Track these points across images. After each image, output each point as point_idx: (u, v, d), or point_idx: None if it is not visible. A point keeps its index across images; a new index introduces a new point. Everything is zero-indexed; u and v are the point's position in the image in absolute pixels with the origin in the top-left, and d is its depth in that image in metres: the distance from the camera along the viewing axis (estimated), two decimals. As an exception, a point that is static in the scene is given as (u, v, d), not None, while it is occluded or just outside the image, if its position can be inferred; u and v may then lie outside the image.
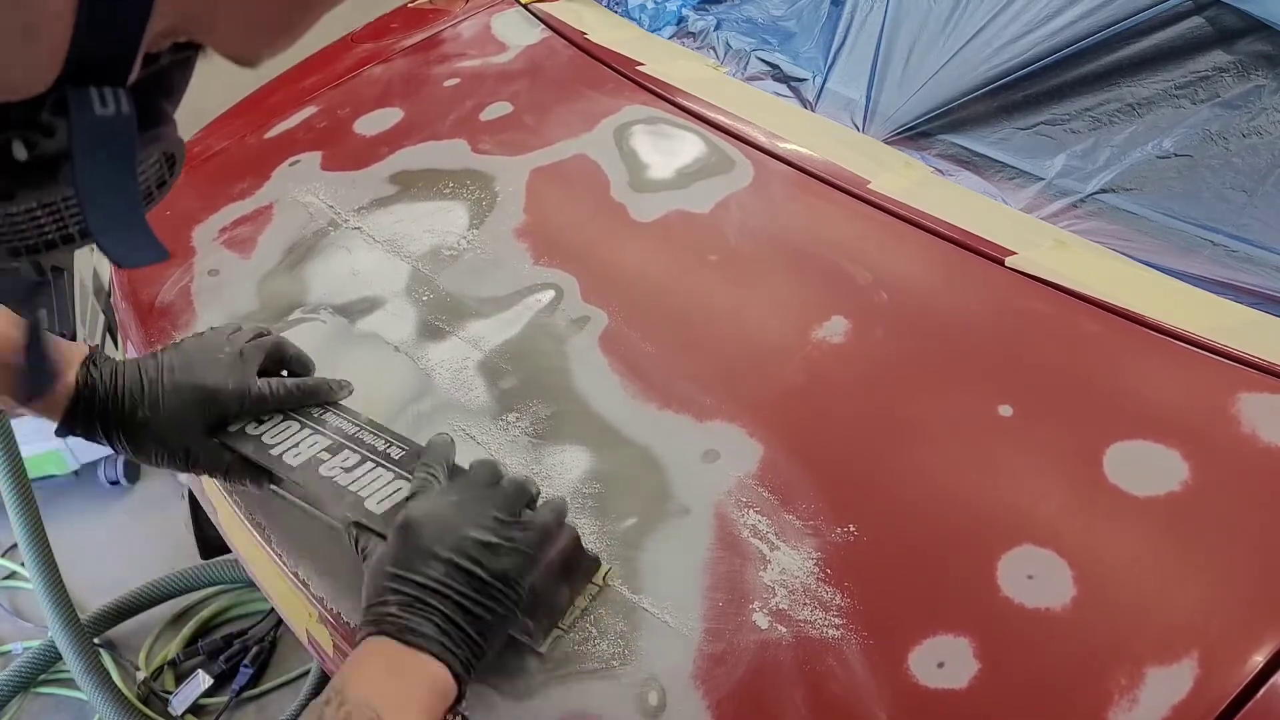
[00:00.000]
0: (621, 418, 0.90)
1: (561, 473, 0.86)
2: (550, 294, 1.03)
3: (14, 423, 1.36)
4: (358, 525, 0.76)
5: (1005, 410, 0.85)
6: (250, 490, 0.87)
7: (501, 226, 1.13)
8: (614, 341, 0.97)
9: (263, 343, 0.87)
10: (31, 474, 1.42)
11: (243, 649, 1.73)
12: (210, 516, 1.12)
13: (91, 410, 0.81)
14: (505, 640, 0.71)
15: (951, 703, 0.68)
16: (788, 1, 1.39)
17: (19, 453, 1.37)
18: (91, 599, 1.79)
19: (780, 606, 0.74)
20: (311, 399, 0.87)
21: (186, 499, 1.37)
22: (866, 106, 1.23)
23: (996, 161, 1.11)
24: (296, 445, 0.83)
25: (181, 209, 1.25)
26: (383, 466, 0.81)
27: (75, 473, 2.05)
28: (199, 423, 0.82)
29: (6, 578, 1.95)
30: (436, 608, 0.66)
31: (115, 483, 2.07)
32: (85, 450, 2.03)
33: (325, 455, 0.82)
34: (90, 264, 2.13)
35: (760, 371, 0.93)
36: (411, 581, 0.67)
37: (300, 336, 0.98)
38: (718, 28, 1.42)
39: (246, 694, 1.69)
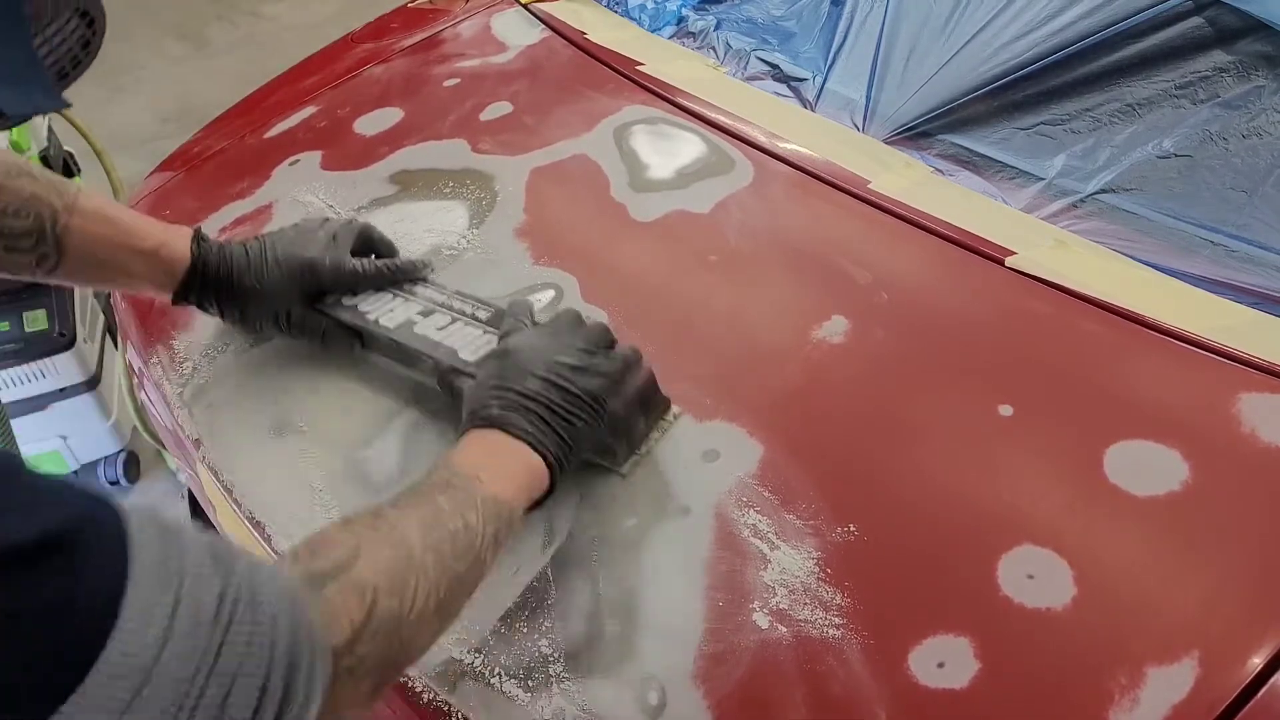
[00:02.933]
0: (621, 417, 0.90)
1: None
2: (550, 294, 1.03)
3: (14, 423, 1.36)
4: (452, 370, 0.85)
5: (1005, 410, 0.85)
6: (343, 353, 0.97)
7: (501, 226, 1.13)
8: (614, 341, 0.97)
9: (353, 226, 0.98)
10: (31, 474, 1.42)
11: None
12: (210, 516, 1.12)
13: (206, 282, 0.93)
14: (591, 448, 0.82)
15: (952, 703, 0.68)
16: (788, 1, 1.39)
17: (19, 453, 1.37)
18: (91, 599, 1.78)
19: (780, 606, 0.74)
20: (400, 276, 0.98)
21: (186, 499, 1.37)
22: (866, 106, 1.22)
23: (996, 161, 1.11)
24: (391, 311, 0.94)
25: (181, 208, 1.25)
26: (472, 325, 0.91)
27: (75, 473, 2.05)
28: (298, 292, 0.94)
29: (6, 578, 1.94)
30: (533, 410, 0.76)
31: (115, 483, 2.07)
32: (85, 450, 2.03)
33: (418, 318, 0.92)
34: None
35: (760, 371, 0.93)
36: (511, 389, 0.77)
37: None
38: (718, 28, 1.42)
39: (246, 694, 1.69)
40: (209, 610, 0.45)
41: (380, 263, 0.97)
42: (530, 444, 0.75)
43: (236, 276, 0.93)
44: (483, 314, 0.92)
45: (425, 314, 0.93)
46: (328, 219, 0.99)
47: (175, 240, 0.92)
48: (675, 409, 0.88)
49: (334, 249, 0.95)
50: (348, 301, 0.95)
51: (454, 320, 0.91)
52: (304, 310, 0.95)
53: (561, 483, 0.77)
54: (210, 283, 0.93)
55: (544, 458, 0.75)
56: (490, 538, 0.67)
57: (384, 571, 0.59)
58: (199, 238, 0.93)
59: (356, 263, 0.95)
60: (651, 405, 0.86)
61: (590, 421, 0.78)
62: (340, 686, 0.54)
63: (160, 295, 0.94)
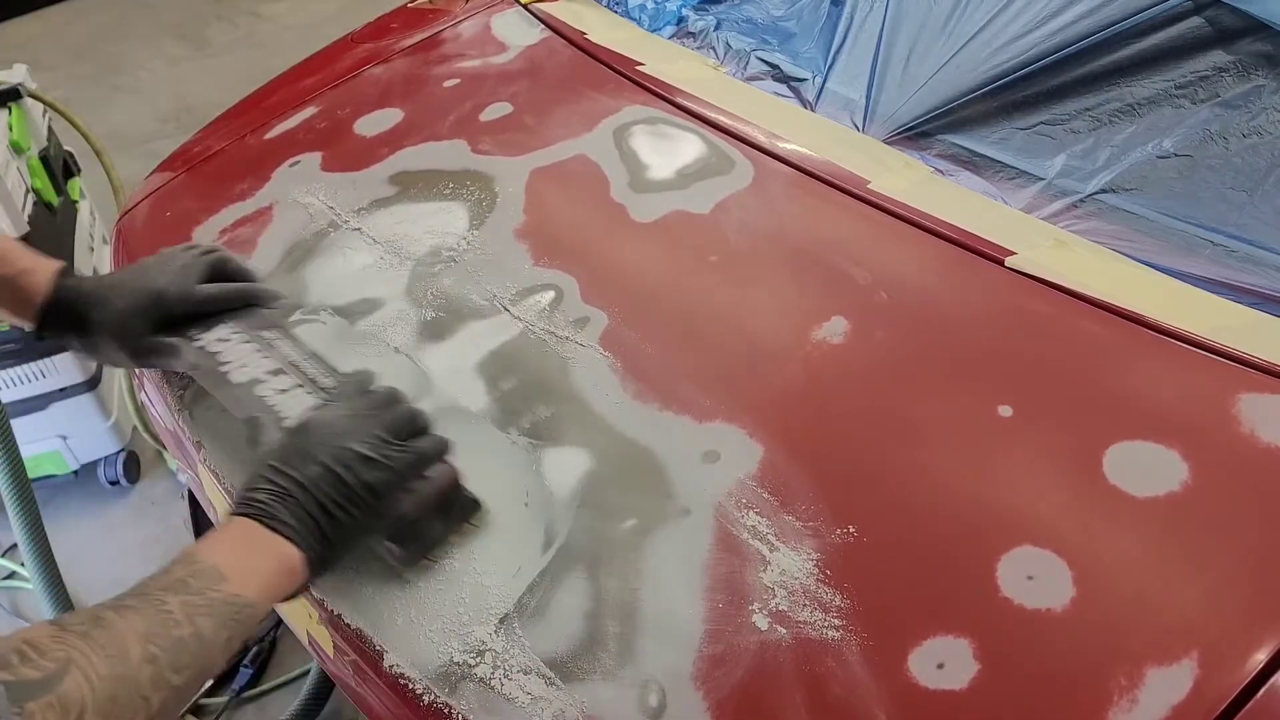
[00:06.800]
0: (622, 418, 0.90)
1: (562, 473, 0.86)
2: (550, 294, 1.03)
3: (14, 423, 1.35)
4: (263, 432, 0.86)
5: (1005, 410, 0.85)
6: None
7: (501, 227, 1.13)
8: (614, 342, 0.97)
9: (208, 257, 1.01)
10: (31, 474, 1.42)
11: (242, 649, 1.73)
12: (210, 516, 1.12)
13: (61, 314, 0.94)
14: (360, 550, 0.78)
15: (951, 703, 0.68)
16: (788, 1, 1.39)
17: (19, 453, 1.37)
18: (91, 599, 1.78)
19: (780, 607, 0.74)
20: (250, 300, 1.01)
21: (186, 499, 1.37)
22: (866, 106, 1.22)
23: (996, 161, 1.11)
24: (245, 366, 0.95)
25: (182, 209, 1.25)
26: (311, 393, 0.90)
27: (75, 473, 2.05)
28: (146, 321, 0.95)
29: (6, 578, 1.95)
30: (301, 502, 0.73)
31: (115, 483, 2.07)
32: (85, 450, 2.03)
33: (267, 377, 0.93)
34: (90, 264, 2.13)
35: (760, 372, 0.93)
36: (286, 475, 0.74)
37: (301, 337, 0.99)
38: (718, 28, 1.42)
39: (246, 694, 1.70)
40: None
41: (231, 286, 1.00)
42: (292, 540, 0.72)
43: (85, 310, 0.94)
44: (326, 381, 0.91)
45: (274, 373, 0.93)
46: (190, 246, 1.02)
47: (40, 271, 0.94)
48: (484, 510, 0.83)
49: (184, 276, 0.97)
50: (211, 347, 0.96)
51: (297, 385, 0.91)
52: (151, 340, 0.96)
53: (553, 483, 0.75)
54: (66, 317, 0.94)
55: (303, 553, 0.72)
56: (223, 643, 0.66)
57: (94, 688, 0.57)
58: (64, 272, 0.95)
59: (206, 288, 0.98)
60: (452, 508, 0.82)
61: (366, 518, 0.76)
62: None
63: (17, 322, 0.96)
